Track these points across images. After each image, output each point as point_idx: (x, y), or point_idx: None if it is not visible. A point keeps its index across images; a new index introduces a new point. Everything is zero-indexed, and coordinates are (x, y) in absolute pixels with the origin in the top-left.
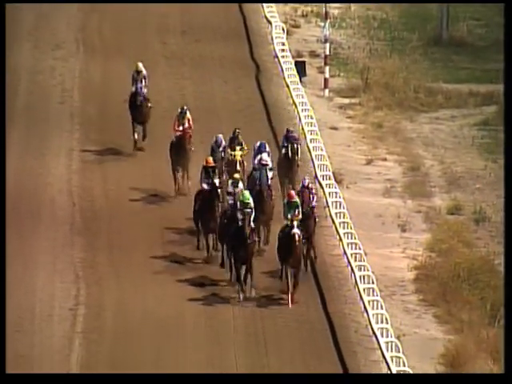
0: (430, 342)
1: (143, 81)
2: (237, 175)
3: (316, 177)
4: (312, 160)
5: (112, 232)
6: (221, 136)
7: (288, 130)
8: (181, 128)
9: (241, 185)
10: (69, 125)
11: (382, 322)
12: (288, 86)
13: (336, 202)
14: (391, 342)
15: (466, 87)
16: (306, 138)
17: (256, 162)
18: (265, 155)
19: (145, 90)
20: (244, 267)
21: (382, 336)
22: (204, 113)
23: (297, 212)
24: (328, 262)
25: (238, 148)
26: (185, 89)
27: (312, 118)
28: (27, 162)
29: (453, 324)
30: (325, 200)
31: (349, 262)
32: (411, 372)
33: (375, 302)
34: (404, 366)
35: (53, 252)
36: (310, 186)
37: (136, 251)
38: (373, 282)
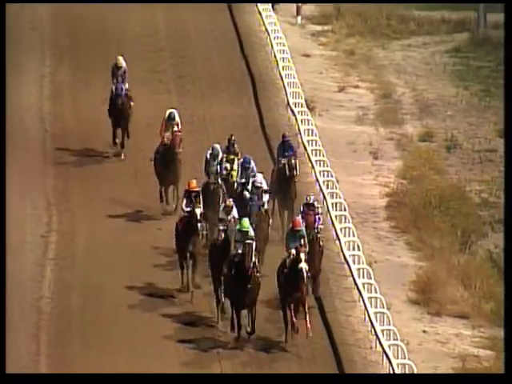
0: (401, 268)
1: (123, 77)
2: (229, 202)
3: (288, 104)
4: (284, 87)
5: (83, 160)
6: (218, 146)
7: (284, 136)
8: (167, 134)
9: (234, 212)
10: (40, 52)
11: (353, 249)
12: (260, 14)
13: (308, 129)
14: (363, 268)
15: (438, 14)
16: (278, 65)
17: (250, 185)
18: (259, 177)
19: (126, 85)
20: (245, 312)
21: (354, 263)
22: (177, 41)
23: (302, 242)
24: (300, 190)
25: (235, 167)
26: (157, 16)
27: (284, 45)
28: None
29: (424, 251)
30: (297, 127)
31: (321, 189)
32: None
33: (347, 229)
34: (376, 292)
35: (25, 179)
36: (315, 204)
37: (108, 179)
38: (345, 209)
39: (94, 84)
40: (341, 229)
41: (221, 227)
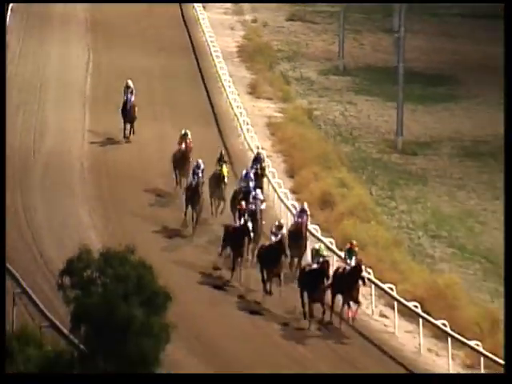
0: (242, 78)
1: (131, 93)
2: (281, 222)
3: (194, 7)
4: (193, 5)
5: (110, 31)
6: (200, 161)
7: (258, 153)
8: (183, 145)
9: (284, 230)
10: None
11: (221, 69)
12: None
13: (203, 18)
14: (227, 80)
15: None
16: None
17: (251, 197)
18: (259, 192)
19: (132, 99)
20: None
21: (222, 75)
22: None
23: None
24: (198, 42)
25: (224, 165)
26: None
27: None
28: None
29: (253, 69)
30: (197, 17)
31: (207, 44)
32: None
33: (220, 62)
34: (230, 88)
35: (76, 40)
36: (307, 209)
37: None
38: (217, 51)
39: None
40: (217, 62)
41: (273, 238)
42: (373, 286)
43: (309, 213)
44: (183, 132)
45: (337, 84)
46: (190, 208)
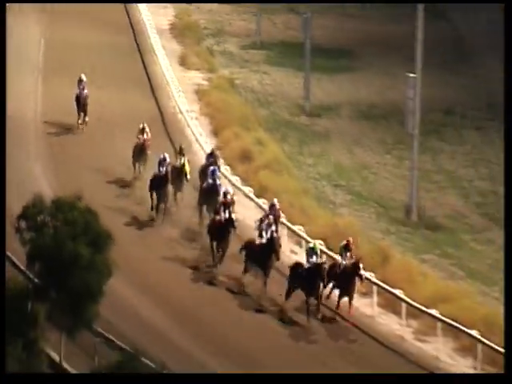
0: (173, 51)
1: (84, 86)
2: (270, 219)
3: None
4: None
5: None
6: (167, 155)
7: (213, 150)
8: (142, 138)
9: (273, 227)
10: None
11: (163, 50)
12: None
13: (151, 20)
14: (165, 54)
15: None
16: None
17: (221, 196)
18: (229, 188)
19: (85, 91)
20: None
21: (160, 54)
22: None
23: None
24: (136, 21)
25: (184, 160)
26: None
27: None
28: None
29: (183, 44)
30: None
31: (143, 20)
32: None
33: (156, 37)
34: (173, 75)
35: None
36: (277, 206)
37: None
38: (153, 28)
39: None
40: (153, 37)
41: (264, 234)
42: (285, 227)
43: (278, 207)
44: (141, 126)
45: (255, 57)
46: (155, 199)
